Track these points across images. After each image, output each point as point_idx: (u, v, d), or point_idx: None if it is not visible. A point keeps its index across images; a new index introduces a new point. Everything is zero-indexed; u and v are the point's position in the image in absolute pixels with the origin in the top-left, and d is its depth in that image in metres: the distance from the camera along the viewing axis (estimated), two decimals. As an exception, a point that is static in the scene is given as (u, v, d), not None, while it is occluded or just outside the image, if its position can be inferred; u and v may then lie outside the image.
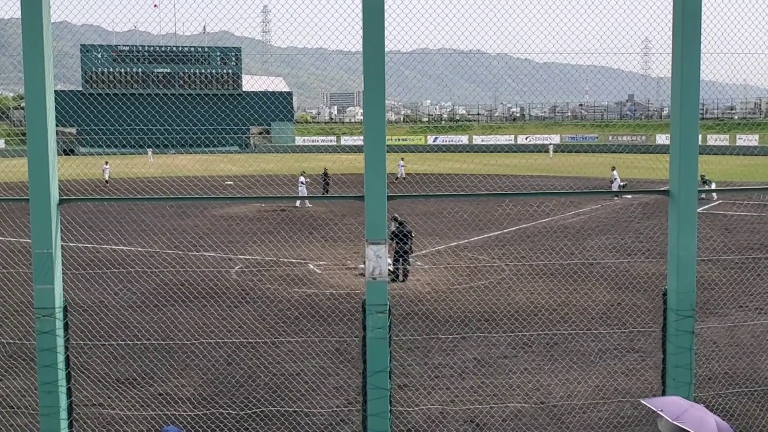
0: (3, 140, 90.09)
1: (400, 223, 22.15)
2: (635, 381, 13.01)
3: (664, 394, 8.97)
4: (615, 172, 43.44)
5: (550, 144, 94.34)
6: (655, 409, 5.33)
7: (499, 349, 14.96)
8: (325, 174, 46.80)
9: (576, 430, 10.98)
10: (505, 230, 30.14)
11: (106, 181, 51.57)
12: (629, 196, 42.53)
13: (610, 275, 21.40)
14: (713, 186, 38.96)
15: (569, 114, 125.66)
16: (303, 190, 39.39)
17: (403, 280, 21.33)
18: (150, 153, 70.45)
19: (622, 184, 43.16)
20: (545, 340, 15.41)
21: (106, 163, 53.44)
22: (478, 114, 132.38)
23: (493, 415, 11.47)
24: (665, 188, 9.20)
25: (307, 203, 38.94)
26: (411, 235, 22.31)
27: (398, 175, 56.74)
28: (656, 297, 16.27)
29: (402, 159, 58.66)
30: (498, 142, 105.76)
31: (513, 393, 12.51)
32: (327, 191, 45.98)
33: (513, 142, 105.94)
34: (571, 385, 12.79)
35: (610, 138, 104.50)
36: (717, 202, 40.13)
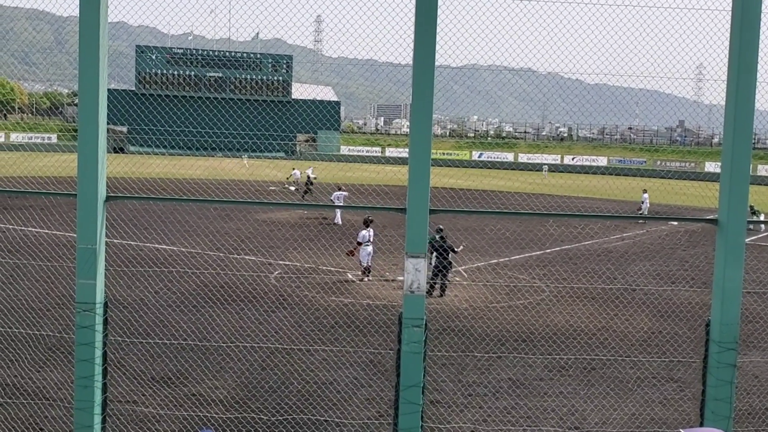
0: (55, 135, 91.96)
1: (442, 237, 21.95)
2: (672, 411, 12.77)
3: (701, 426, 8.79)
4: (645, 195, 42.92)
5: (545, 165, 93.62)
6: (693, 442, 5.21)
7: (534, 371, 14.80)
8: (308, 179, 46.61)
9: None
10: (547, 250, 29.88)
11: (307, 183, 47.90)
12: (675, 223, 41.93)
13: (652, 302, 21.09)
14: (762, 217, 38.27)
15: (618, 137, 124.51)
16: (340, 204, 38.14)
17: (441, 295, 21.21)
18: (245, 158, 69.21)
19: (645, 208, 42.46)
20: (582, 365, 15.21)
21: (311, 168, 49.73)
22: (525, 132, 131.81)
23: (526, 437, 11.33)
24: (713, 217, 9.05)
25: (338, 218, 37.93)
26: (453, 250, 22.09)
27: (311, 181, 51.47)
28: (698, 327, 15.94)
29: (311, 167, 51.58)
30: (544, 161, 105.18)
31: (547, 416, 12.35)
32: (308, 192, 45.86)
33: (559, 162, 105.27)
34: (607, 411, 12.59)
35: (659, 163, 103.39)
36: (765, 234, 39.39)
